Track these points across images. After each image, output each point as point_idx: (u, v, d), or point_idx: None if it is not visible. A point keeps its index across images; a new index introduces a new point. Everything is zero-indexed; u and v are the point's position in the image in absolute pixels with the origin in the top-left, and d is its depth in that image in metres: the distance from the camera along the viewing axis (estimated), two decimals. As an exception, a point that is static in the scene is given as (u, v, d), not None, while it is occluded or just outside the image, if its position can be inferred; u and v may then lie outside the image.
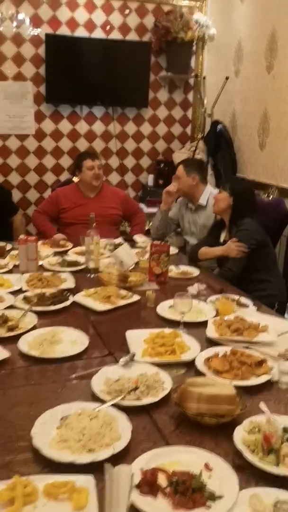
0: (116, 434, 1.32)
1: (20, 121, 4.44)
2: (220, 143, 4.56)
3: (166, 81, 4.78)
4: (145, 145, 4.89)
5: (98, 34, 4.47)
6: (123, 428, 1.35)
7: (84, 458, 1.23)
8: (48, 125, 4.53)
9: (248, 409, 1.46)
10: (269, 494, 1.13)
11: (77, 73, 4.39)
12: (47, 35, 4.27)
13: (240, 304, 2.31)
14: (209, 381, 1.52)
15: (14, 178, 4.55)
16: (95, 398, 1.52)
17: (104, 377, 1.60)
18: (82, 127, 4.64)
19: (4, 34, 4.24)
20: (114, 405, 1.45)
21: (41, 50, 4.33)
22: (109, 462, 1.22)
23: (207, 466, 1.23)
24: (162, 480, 1.18)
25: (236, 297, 2.37)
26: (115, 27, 4.52)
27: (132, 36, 4.58)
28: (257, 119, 4.19)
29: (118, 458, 1.26)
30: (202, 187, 3.33)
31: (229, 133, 4.59)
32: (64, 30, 4.37)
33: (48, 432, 1.33)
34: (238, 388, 1.51)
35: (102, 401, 1.47)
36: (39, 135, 4.53)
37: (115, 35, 4.53)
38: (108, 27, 4.49)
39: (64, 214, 3.50)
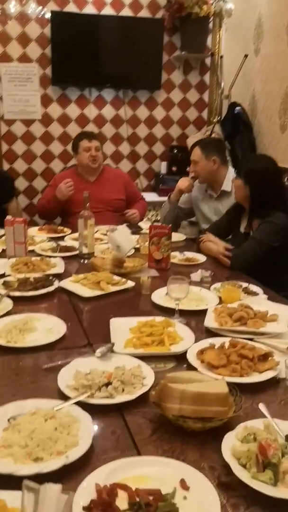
0: (73, 440, 1.06)
1: (26, 105, 4.23)
2: (238, 127, 4.24)
3: (180, 62, 4.49)
4: (158, 131, 4.61)
5: (108, 11, 4.22)
6: (84, 433, 1.08)
7: (28, 469, 0.97)
8: (55, 110, 4.31)
9: (244, 411, 1.19)
10: (261, 525, 0.85)
11: (85, 53, 4.15)
12: (53, 13, 4.04)
13: (249, 292, 2.02)
14: (195, 376, 1.24)
15: (20, 166, 4.35)
16: (61, 395, 1.26)
17: (74, 371, 1.34)
18: (91, 111, 4.39)
19: (8, 13, 4.04)
20: (80, 404, 1.19)
21: (47, 30, 4.10)
22: (57, 475, 0.96)
23: (183, 484, 0.96)
24: (122, 501, 0.91)
25: (245, 284, 2.07)
26: (125, 3, 4.25)
27: (144, 13, 4.30)
28: (278, 100, 3.86)
29: (73, 471, 1.00)
30: (224, 171, 2.98)
31: (248, 115, 4.28)
32: (71, 8, 4.14)
33: (-8, 436, 1.08)
34: (233, 385, 1.23)
35: (67, 399, 1.22)
36: (46, 120, 4.31)
37: (126, 12, 4.26)
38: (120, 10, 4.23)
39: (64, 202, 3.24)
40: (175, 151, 4.55)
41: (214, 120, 4.47)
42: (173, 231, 2.43)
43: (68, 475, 0.99)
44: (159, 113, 4.57)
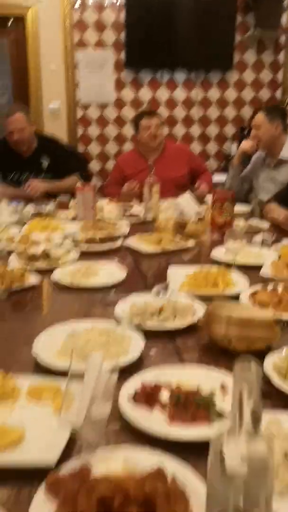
0: (123, 349, 1.15)
1: (100, 89, 4.42)
2: (312, 105, 4.15)
3: (254, 41, 4.45)
4: (230, 112, 4.61)
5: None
6: (135, 346, 1.18)
7: (81, 366, 1.08)
8: (127, 93, 4.46)
9: (290, 340, 1.21)
10: (293, 421, 0.89)
11: (158, 36, 4.25)
12: (127, -2, 4.18)
13: (310, 252, 2.00)
14: (242, 306, 1.28)
15: (94, 148, 4.55)
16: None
17: (130, 303, 1.43)
18: (162, 94, 4.49)
19: (86, 2, 4.23)
20: (133, 328, 1.28)
21: (122, 15, 4.26)
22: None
23: (223, 388, 1.01)
24: (163, 396, 0.99)
25: (307, 245, 2.06)
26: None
27: (216, -7, 4.33)
28: None
29: (122, 376, 1.09)
30: (284, 138, 2.98)
31: None
32: (145, -7, 4.26)
33: (53, 343, 1.20)
34: (281, 318, 1.26)
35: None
36: (119, 103, 4.47)
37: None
38: None
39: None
40: (246, 132, 4.51)
41: None
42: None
43: (118, 379, 1.08)
44: (231, 94, 4.57)
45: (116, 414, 0.94)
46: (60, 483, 0.73)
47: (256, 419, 0.55)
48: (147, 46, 4.26)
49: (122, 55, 4.35)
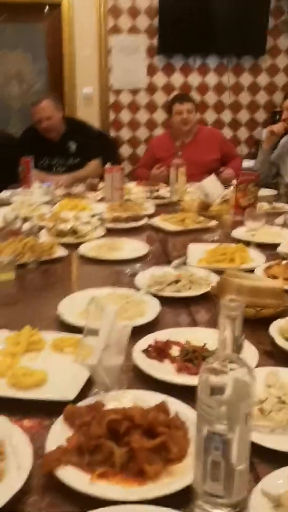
0: (140, 311, 1.25)
1: (133, 75, 4.49)
2: None
3: (287, 26, 4.42)
4: (261, 97, 4.60)
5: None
6: (151, 309, 1.27)
7: (98, 325, 1.18)
8: (160, 79, 4.51)
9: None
10: (289, 374, 0.97)
11: (191, 21, 4.27)
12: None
13: None
14: (253, 276, 1.36)
15: (125, 133, 4.63)
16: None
17: (150, 274, 1.53)
18: (194, 79, 4.52)
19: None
20: (151, 295, 1.38)
21: (155, 1, 4.29)
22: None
23: (229, 347, 1.10)
24: (174, 352, 1.08)
25: None
26: None
27: (251, -22, 4.32)
28: None
29: (138, 334, 1.19)
30: None
31: None
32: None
33: (76, 306, 1.31)
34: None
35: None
36: (151, 89, 4.53)
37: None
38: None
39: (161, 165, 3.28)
40: (277, 117, 4.50)
41: None
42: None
43: (134, 337, 1.18)
44: (263, 79, 4.56)
45: (130, 364, 1.05)
46: (76, 413, 0.84)
47: (238, 347, 0.63)
48: (180, 31, 4.29)
49: (155, 41, 4.40)
